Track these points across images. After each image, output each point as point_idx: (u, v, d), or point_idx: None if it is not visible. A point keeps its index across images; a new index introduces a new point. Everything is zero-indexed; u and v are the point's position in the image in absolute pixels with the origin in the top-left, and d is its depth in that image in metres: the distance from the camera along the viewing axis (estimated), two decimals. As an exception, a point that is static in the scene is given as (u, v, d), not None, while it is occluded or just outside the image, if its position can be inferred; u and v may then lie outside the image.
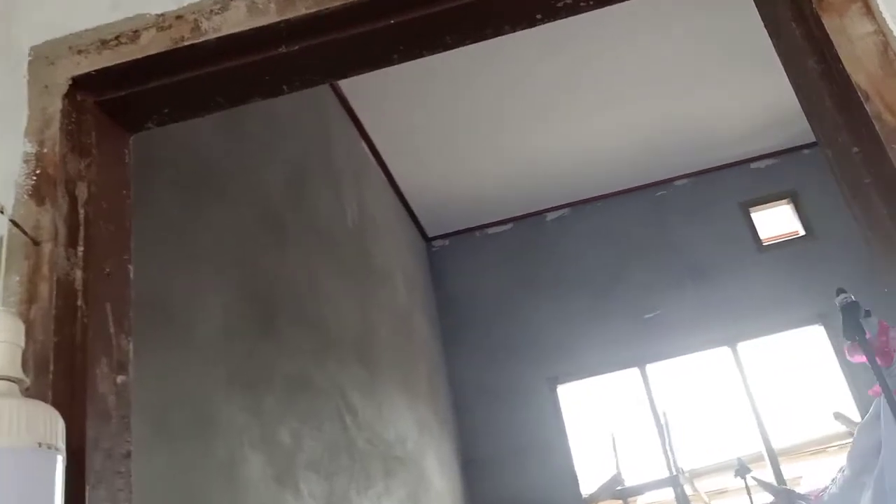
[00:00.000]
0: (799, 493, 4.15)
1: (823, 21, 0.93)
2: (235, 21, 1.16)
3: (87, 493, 0.96)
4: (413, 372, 4.97)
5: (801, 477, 5.43)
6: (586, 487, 5.67)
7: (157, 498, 1.81)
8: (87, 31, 1.23)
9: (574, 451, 5.86)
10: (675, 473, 5.00)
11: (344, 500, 3.14)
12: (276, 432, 2.66)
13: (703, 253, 6.12)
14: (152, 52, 1.18)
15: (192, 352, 2.19)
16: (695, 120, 5.71)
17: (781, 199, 6.27)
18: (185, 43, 1.17)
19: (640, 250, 6.25)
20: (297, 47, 1.18)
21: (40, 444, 0.84)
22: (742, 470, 4.28)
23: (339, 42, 1.18)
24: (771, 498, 4.51)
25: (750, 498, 4.46)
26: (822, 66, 0.96)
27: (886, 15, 0.91)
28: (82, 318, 1.06)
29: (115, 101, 1.23)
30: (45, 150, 1.15)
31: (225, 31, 1.16)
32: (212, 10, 1.17)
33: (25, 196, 1.13)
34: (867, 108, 0.87)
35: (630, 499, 5.18)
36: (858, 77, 0.89)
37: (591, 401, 6.10)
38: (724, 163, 6.34)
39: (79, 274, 1.09)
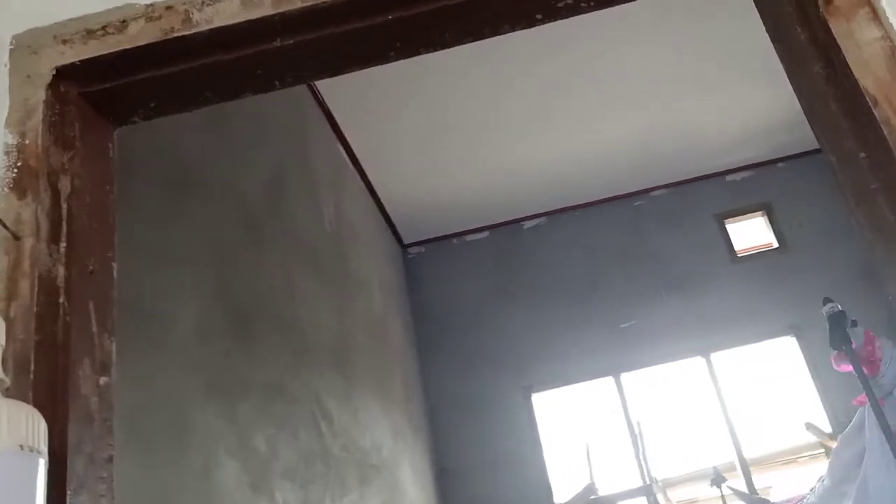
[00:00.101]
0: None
1: (831, 25, 0.93)
2: (228, 13, 1.13)
3: (68, 499, 0.92)
4: (388, 379, 4.92)
5: (770, 487, 5.48)
6: (560, 497, 5.66)
7: (131, 505, 1.75)
8: (72, 20, 1.18)
9: (548, 460, 5.85)
10: (648, 483, 5.02)
11: (319, 509, 3.09)
12: (251, 439, 2.61)
13: (679, 263, 6.17)
14: (140, 43, 1.14)
15: (168, 355, 2.13)
16: (672, 132, 5.76)
17: (756, 211, 6.35)
18: (175, 34, 1.13)
19: (616, 260, 6.28)
20: (291, 41, 1.15)
21: (22, 447, 0.80)
22: (717, 479, 4.30)
23: (335, 37, 1.15)
24: (745, 508, 4.53)
25: (725, 508, 4.48)
26: (828, 70, 0.96)
27: (894, 21, 0.91)
28: (64, 317, 1.02)
29: (100, 93, 1.19)
30: (27, 142, 1.10)
31: (217, 23, 1.12)
32: (204, 2, 1.14)
33: (6, 189, 1.08)
34: (875, 114, 0.87)
35: (604, 508, 5.18)
36: (866, 82, 0.89)
37: (565, 410, 6.10)
38: (701, 174, 6.41)
39: (61, 271, 1.05)
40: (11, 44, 1.19)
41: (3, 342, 0.89)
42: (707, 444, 5.71)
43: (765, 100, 5.60)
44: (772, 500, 4.60)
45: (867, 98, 0.88)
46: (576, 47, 4.68)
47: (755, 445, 5.66)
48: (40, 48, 1.16)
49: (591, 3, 1.15)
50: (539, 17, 1.16)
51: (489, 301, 6.31)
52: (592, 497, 4.99)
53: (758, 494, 5.15)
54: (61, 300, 1.03)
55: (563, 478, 5.77)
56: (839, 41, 0.92)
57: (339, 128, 4.90)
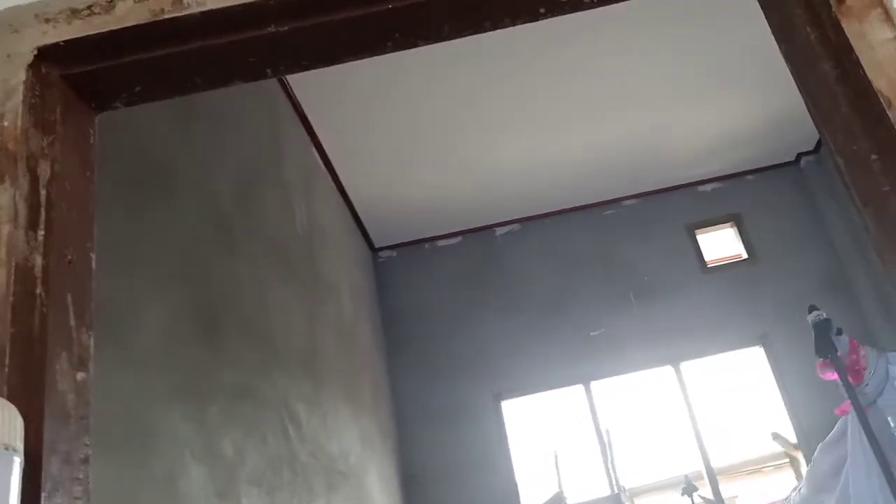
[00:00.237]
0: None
1: (843, 26, 0.92)
2: (222, -5, 1.09)
3: (42, 501, 0.86)
4: (357, 385, 4.86)
5: (737, 497, 5.54)
6: (528, 504, 5.65)
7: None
8: (55, -2, 1.13)
9: (516, 468, 5.82)
10: (616, 491, 5.03)
11: (287, 516, 3.03)
12: (218, 444, 2.54)
13: (650, 273, 6.21)
14: (128, 24, 1.09)
15: (133, 358, 2.06)
16: (644, 142, 5.80)
17: (725, 222, 6.42)
18: (166, 16, 1.08)
19: (587, 268, 6.30)
20: (287, 28, 1.11)
21: (-2, 445, 0.75)
22: (689, 488, 4.32)
23: (332, 25, 1.11)
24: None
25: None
26: (839, 71, 0.94)
27: (907, 22, 0.90)
28: (41, 308, 0.96)
29: (83, 76, 1.14)
30: (6, 124, 1.04)
31: (211, 6, 1.08)
32: (196, -17, 1.09)
33: (-19, 172, 1.02)
34: (889, 115, 0.86)
35: (571, 516, 5.18)
36: (880, 83, 0.88)
37: (534, 417, 6.09)
38: (672, 185, 6.47)
39: (39, 260, 0.99)
40: (-11, 22, 1.13)
41: (-23, 333, 0.84)
42: (675, 453, 5.75)
43: (736, 111, 5.68)
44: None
45: (881, 99, 0.87)
46: (550, 57, 4.70)
47: (722, 455, 5.71)
48: (21, 27, 1.10)
49: (595, 0, 1.13)
50: (542, 10, 1.14)
51: (460, 307, 6.28)
52: (560, 505, 4.99)
53: (725, 504, 5.19)
54: (38, 291, 0.97)
55: (532, 486, 5.76)
56: (852, 42, 0.91)
57: (312, 128, 4.84)
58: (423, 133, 5.22)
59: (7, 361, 0.90)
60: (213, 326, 2.69)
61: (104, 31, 1.10)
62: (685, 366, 5.96)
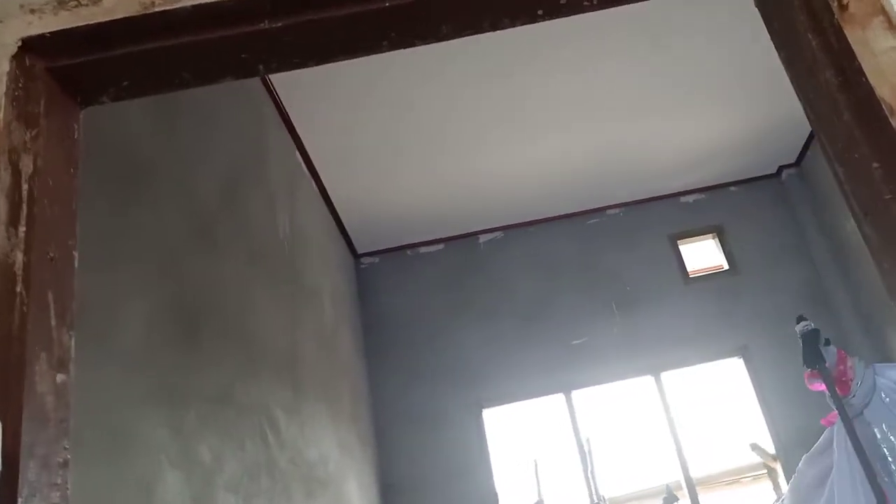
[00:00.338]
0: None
1: (846, 33, 0.91)
2: (215, -11, 1.06)
3: (18, 508, 0.83)
4: (336, 391, 4.82)
5: (714, 507, 5.56)
6: (508, 514, 5.62)
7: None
8: (41, -12, 1.10)
9: (496, 477, 5.79)
10: (596, 501, 5.02)
11: (264, 524, 2.98)
12: (195, 450, 2.50)
13: (632, 282, 6.23)
14: (117, 16, 1.06)
15: (110, 360, 2.02)
16: (628, 152, 5.82)
17: (707, 233, 6.46)
18: (157, 9, 1.06)
19: (570, 277, 6.30)
20: (280, 24, 1.08)
21: (-26, 448, 0.71)
22: (670, 498, 4.32)
23: (326, 22, 1.09)
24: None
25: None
26: (841, 78, 0.94)
27: (909, 30, 0.90)
28: (21, 307, 0.93)
29: (69, 69, 1.10)
30: (-13, 116, 1.01)
31: (203, 0, 1.05)
32: (188, -24, 1.07)
33: (-38, 165, 0.98)
34: (892, 123, 0.85)
35: (551, 526, 5.16)
36: (882, 91, 0.87)
37: (515, 426, 6.07)
38: (655, 195, 6.50)
39: (19, 257, 0.96)
40: (-28, 11, 1.10)
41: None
42: (654, 463, 5.75)
43: (719, 123, 5.72)
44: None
45: (884, 107, 0.86)
46: (535, 65, 4.71)
47: (701, 465, 5.72)
48: (6, 17, 1.07)
49: (594, 3, 1.12)
50: (540, 12, 1.12)
51: (441, 314, 6.25)
52: (540, 514, 4.97)
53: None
54: (19, 289, 0.94)
55: (512, 495, 5.73)
56: (854, 49, 0.90)
57: (296, 132, 4.81)
58: (408, 139, 5.19)
59: (-16, 361, 0.86)
60: (193, 329, 2.65)
61: (92, 23, 1.07)
62: (666, 376, 5.98)
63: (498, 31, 3.83)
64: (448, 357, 6.10)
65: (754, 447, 5.48)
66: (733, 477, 5.82)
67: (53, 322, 0.98)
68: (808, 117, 1.04)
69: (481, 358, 6.07)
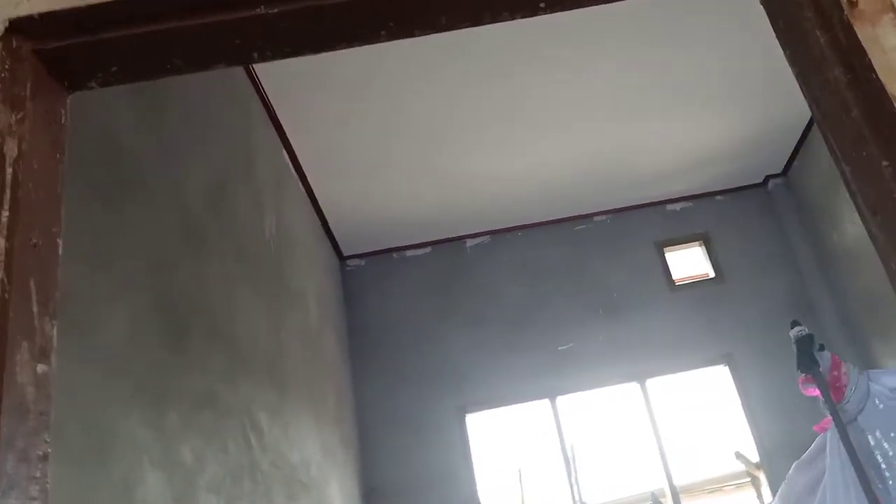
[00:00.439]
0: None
1: (856, 30, 0.90)
2: (210, -28, 1.03)
3: (-4, 502, 0.79)
4: (320, 394, 4.77)
5: (698, 515, 5.55)
6: (490, 520, 5.59)
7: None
8: (30, -33, 1.06)
9: (480, 482, 5.76)
10: (579, 507, 5.00)
11: (246, 527, 2.93)
12: (177, 451, 2.45)
13: (618, 289, 6.23)
14: (108, -2, 1.03)
15: (93, 358, 1.97)
16: (616, 159, 5.83)
17: (694, 241, 6.48)
18: (149, -9, 1.03)
19: (556, 282, 6.30)
20: (276, 10, 1.05)
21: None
22: (655, 505, 4.30)
23: (324, 9, 1.06)
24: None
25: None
26: (849, 76, 0.92)
27: (920, 27, 0.89)
28: (3, 294, 0.89)
29: (57, 52, 1.07)
30: (-29, 97, 0.97)
31: (198, -18, 1.02)
32: (183, -42, 1.04)
33: (-56, 147, 0.95)
34: (903, 121, 0.84)
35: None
36: (893, 88, 0.85)
37: (499, 431, 6.04)
38: (642, 202, 6.51)
39: (1, 242, 0.92)
40: (-43, -10, 1.06)
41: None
42: (638, 470, 5.74)
43: (706, 132, 5.74)
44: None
45: (894, 104, 0.85)
46: (526, 70, 4.70)
47: (685, 472, 5.72)
48: (-8, -4, 1.03)
49: (597, -5, 1.10)
50: (542, 5, 1.10)
51: (427, 318, 6.23)
52: (523, 521, 4.94)
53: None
54: (0, 275, 0.90)
55: (495, 500, 5.70)
56: (865, 46, 0.89)
57: (284, 132, 4.77)
58: (396, 142, 5.17)
59: (-37, 350, 0.83)
60: (178, 329, 2.60)
61: (82, 5, 1.03)
62: (651, 383, 5.98)
63: (487, 37, 3.85)
64: (433, 361, 6.07)
65: (738, 455, 5.49)
66: (717, 485, 5.82)
67: (35, 310, 0.95)
68: (814, 116, 1.03)
69: (466, 362, 6.04)
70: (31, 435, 0.89)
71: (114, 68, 1.12)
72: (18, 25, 1.04)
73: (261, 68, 4.24)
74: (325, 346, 5.20)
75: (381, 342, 6.17)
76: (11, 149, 0.98)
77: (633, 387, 5.97)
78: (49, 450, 0.93)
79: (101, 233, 2.12)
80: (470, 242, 6.50)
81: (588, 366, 5.98)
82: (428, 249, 6.49)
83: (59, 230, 1.05)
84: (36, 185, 1.01)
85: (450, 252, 6.47)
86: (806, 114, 5.75)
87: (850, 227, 5.53)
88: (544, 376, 5.97)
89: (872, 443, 2.57)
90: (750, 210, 6.49)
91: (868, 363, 5.35)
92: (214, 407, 2.84)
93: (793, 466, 3.05)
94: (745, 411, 5.82)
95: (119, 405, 2.09)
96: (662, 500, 5.01)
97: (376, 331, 6.21)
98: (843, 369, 2.79)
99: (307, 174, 5.25)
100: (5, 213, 0.94)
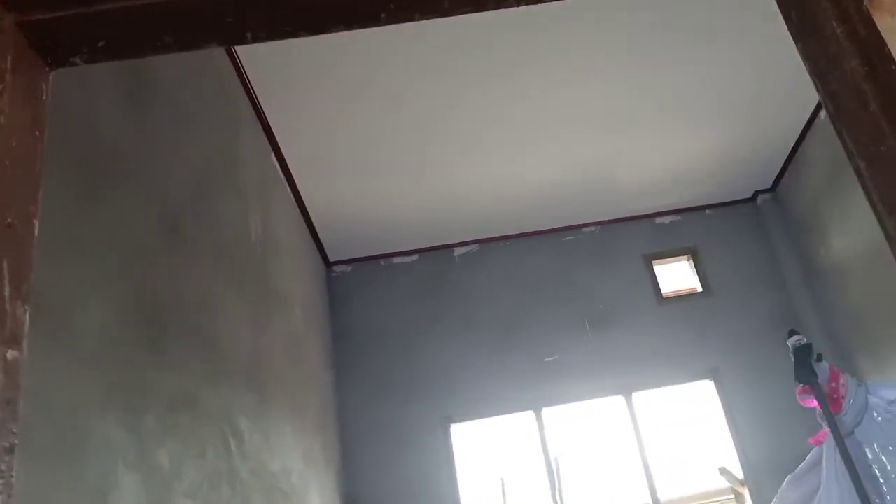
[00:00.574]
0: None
1: (875, 20, 0.87)
2: (203, -55, 0.98)
3: (-44, 497, 0.73)
4: (303, 401, 4.69)
5: (680, 530, 5.51)
6: (472, 531, 5.52)
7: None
8: (11, -65, 1.01)
9: (463, 493, 5.69)
10: (563, 521, 4.94)
11: (224, 534, 2.85)
12: (154, 455, 2.38)
13: (606, 301, 6.20)
14: (95, -32, 0.98)
15: (67, 357, 1.90)
16: (606, 170, 5.82)
17: (682, 254, 6.47)
18: (139, -37, 0.98)
19: (544, 293, 6.26)
20: (272, -13, 1.01)
21: None
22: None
23: (322, -12, 1.02)
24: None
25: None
26: (867, 68, 0.89)
27: (942, 18, 0.86)
28: (-29, 275, 0.84)
29: (40, 24, 1.01)
30: (-53, 67, 0.92)
31: (190, -45, 0.97)
32: (175, -70, 0.99)
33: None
34: (925, 113, 0.80)
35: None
36: (914, 80, 0.82)
37: (482, 442, 5.97)
38: (631, 215, 6.50)
39: (-27, 220, 0.86)
40: (-66, -42, 1.01)
41: None
42: (622, 484, 5.70)
43: (697, 146, 5.74)
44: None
45: (915, 97, 0.82)
46: (518, 81, 4.69)
47: (669, 487, 5.68)
48: (-29, -38, 0.98)
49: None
50: (548, -8, 1.06)
51: (413, 326, 6.17)
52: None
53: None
54: (-30, 254, 0.84)
55: (478, 512, 5.63)
56: (884, 36, 0.85)
57: (272, 134, 4.72)
58: (386, 149, 5.13)
59: (-74, 331, 0.77)
60: (157, 329, 2.53)
61: (69, -26, 0.98)
62: (636, 396, 5.94)
63: (480, 46, 3.81)
64: (418, 370, 6.01)
65: (723, 471, 5.46)
66: (701, 501, 5.78)
67: (7, 292, 0.89)
68: (828, 111, 0.99)
69: (451, 372, 5.99)
70: (-3, 425, 0.83)
71: (100, 44, 1.07)
72: (-1, -5, 0.99)
73: (251, 71, 4.20)
74: (309, 352, 5.13)
75: (365, 350, 6.10)
76: (-13, 122, 0.93)
77: (618, 400, 5.93)
78: (16, 441, 0.87)
79: (78, 225, 2.05)
80: (458, 251, 6.46)
81: (574, 378, 5.94)
82: (415, 257, 6.44)
83: (35, 210, 0.99)
84: (13, 162, 0.95)
85: (437, 260, 6.42)
86: (795, 130, 5.79)
87: (838, 243, 5.55)
88: (530, 387, 5.92)
89: (870, 456, 2.53)
90: (738, 225, 6.50)
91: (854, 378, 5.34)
92: (193, 410, 2.77)
93: (786, 480, 3.00)
94: (729, 427, 5.80)
95: (93, 404, 2.02)
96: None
97: (361, 338, 6.14)
98: (842, 381, 2.75)
99: (295, 178, 5.19)
100: (-22, 190, 0.88)
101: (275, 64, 4.22)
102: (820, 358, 2.82)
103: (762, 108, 5.41)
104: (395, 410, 5.88)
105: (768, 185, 6.46)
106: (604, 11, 4.28)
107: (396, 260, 6.43)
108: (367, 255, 6.39)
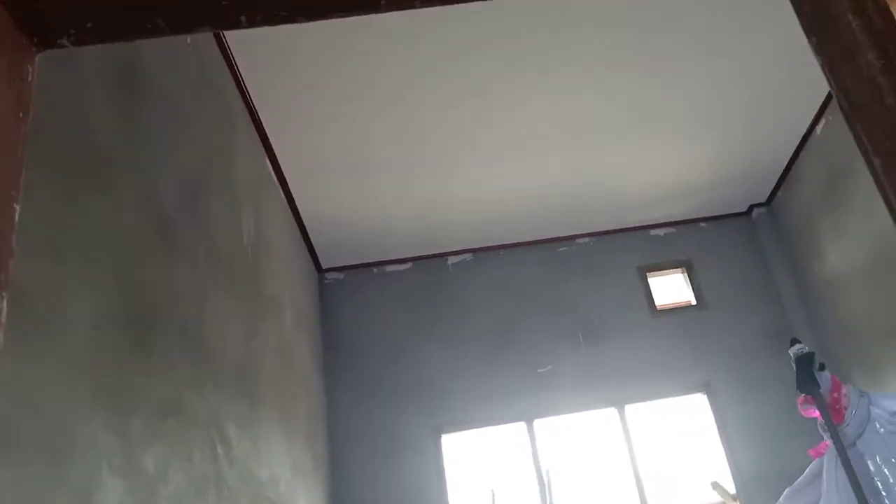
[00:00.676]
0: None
1: (893, 11, 0.84)
2: (198, -76, 0.95)
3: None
4: (293, 408, 4.64)
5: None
6: (462, 543, 5.45)
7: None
8: (-1, -89, 0.97)
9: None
10: (553, 534, 4.88)
11: (209, 542, 2.80)
12: (140, 459, 2.33)
13: (600, 312, 6.17)
14: (86, -55, 0.95)
15: (53, 356, 1.86)
16: (602, 182, 5.81)
17: (676, 267, 6.45)
18: (131, -60, 0.94)
19: (537, 303, 6.22)
20: (269, -31, 0.97)
21: None
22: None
23: (321, -29, 0.99)
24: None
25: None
26: (884, 61, 0.86)
27: (961, 10, 0.83)
28: (-53, 258, 0.79)
29: (25, 3, 0.98)
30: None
31: (184, -67, 0.94)
32: None
33: None
34: (945, 106, 0.77)
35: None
36: (933, 72, 0.79)
37: (474, 453, 5.91)
38: (626, 226, 6.48)
39: (-50, 202, 0.82)
40: (-82, -68, 0.97)
41: None
42: (614, 497, 5.65)
43: (693, 159, 5.74)
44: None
45: (934, 91, 0.78)
46: (515, 91, 4.69)
47: (660, 501, 5.63)
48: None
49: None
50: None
51: (405, 335, 6.12)
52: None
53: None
54: (-54, 237, 0.80)
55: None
56: (902, 29, 0.83)
57: (267, 138, 4.69)
58: (381, 156, 5.10)
59: None
60: (145, 331, 2.48)
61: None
62: (629, 409, 5.90)
63: (475, 56, 3.78)
64: (409, 379, 5.96)
65: (715, 486, 5.41)
66: (692, 515, 5.74)
67: (-16, 279, 0.85)
68: (841, 108, 0.96)
69: (443, 382, 5.94)
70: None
71: (89, 25, 1.03)
72: (-15, -29, 0.95)
73: (246, 72, 4.17)
74: (300, 358, 5.07)
75: (356, 358, 6.04)
76: (-32, 102, 0.89)
77: (611, 412, 5.89)
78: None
79: (65, 223, 2.01)
80: (452, 259, 6.42)
81: (566, 389, 5.90)
82: (409, 265, 6.40)
83: (17, 195, 0.95)
84: (-6, 144, 0.91)
85: (431, 268, 6.38)
86: (791, 144, 5.79)
87: (833, 258, 5.54)
88: (522, 398, 5.87)
89: (872, 469, 2.48)
90: (733, 238, 6.49)
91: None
92: (181, 414, 2.72)
93: (784, 493, 2.95)
94: (722, 441, 5.76)
95: (79, 406, 1.98)
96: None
97: (352, 346, 6.09)
98: (844, 391, 2.70)
99: (289, 182, 5.16)
100: (-44, 170, 0.84)
101: (270, 67, 4.19)
102: (822, 367, 2.77)
103: (758, 122, 5.41)
104: (386, 419, 5.83)
105: (763, 198, 6.46)
106: (602, 24, 4.29)
107: (389, 268, 6.39)
108: (360, 262, 6.35)
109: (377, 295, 6.28)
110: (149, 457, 2.39)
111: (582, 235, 6.49)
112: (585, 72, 4.66)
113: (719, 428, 5.80)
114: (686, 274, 6.41)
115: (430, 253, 6.37)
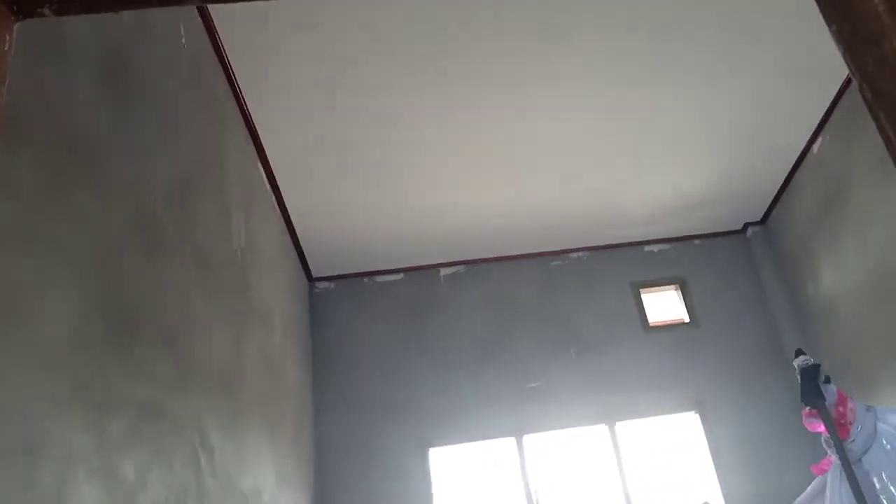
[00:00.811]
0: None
1: (922, -7, 0.79)
2: None
3: None
4: (279, 418, 4.55)
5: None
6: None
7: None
8: None
9: (438, 520, 5.54)
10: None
11: (187, 553, 2.71)
12: (118, 464, 2.24)
13: (592, 328, 6.12)
14: None
15: (28, 353, 1.78)
16: (597, 197, 5.78)
17: (670, 284, 6.41)
18: None
19: (529, 317, 6.17)
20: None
21: None
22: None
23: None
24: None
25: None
26: (909, 47, 0.81)
27: None
28: None
29: (3, -34, 0.92)
30: None
31: None
32: None
33: None
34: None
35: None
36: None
37: (461, 467, 5.82)
38: (620, 242, 6.45)
39: None
40: None
41: None
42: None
43: (688, 176, 5.73)
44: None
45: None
46: (511, 104, 4.68)
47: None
48: None
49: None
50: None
51: (395, 346, 6.04)
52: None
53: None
54: None
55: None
56: (931, 10, 0.78)
57: (260, 143, 4.63)
58: (374, 166, 5.07)
59: None
60: (127, 332, 2.41)
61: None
62: (620, 426, 5.83)
63: (473, 67, 3.75)
64: (398, 391, 5.87)
65: (706, 506, 5.35)
66: (682, 536, 5.67)
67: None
68: (864, 98, 0.91)
69: (432, 394, 5.86)
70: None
71: (69, -7, 0.97)
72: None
73: (243, 74, 4.12)
74: (287, 367, 4.99)
75: (345, 368, 5.96)
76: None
77: (601, 429, 5.82)
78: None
79: (47, 215, 1.94)
80: (444, 271, 6.36)
81: (557, 405, 5.83)
82: (400, 276, 6.33)
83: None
84: (-37, 111, 0.85)
85: (423, 280, 6.32)
86: (787, 163, 5.78)
87: (828, 278, 5.51)
88: (512, 413, 5.80)
89: (878, 486, 2.41)
90: (727, 256, 6.46)
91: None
92: (162, 419, 2.64)
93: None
94: (713, 461, 5.70)
95: (55, 407, 1.90)
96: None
97: (342, 356, 6.01)
98: (850, 405, 2.62)
99: (281, 189, 5.11)
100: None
101: (266, 74, 4.15)
102: (828, 380, 2.70)
103: (754, 140, 5.40)
104: (373, 431, 5.74)
105: (759, 217, 6.45)
106: (601, 41, 4.28)
107: (381, 278, 6.32)
108: (352, 272, 6.28)
109: (368, 305, 6.21)
110: (128, 463, 2.31)
111: (576, 250, 6.45)
112: (582, 87, 4.65)
113: (711, 447, 5.74)
114: (680, 291, 6.37)
115: (423, 264, 6.31)
